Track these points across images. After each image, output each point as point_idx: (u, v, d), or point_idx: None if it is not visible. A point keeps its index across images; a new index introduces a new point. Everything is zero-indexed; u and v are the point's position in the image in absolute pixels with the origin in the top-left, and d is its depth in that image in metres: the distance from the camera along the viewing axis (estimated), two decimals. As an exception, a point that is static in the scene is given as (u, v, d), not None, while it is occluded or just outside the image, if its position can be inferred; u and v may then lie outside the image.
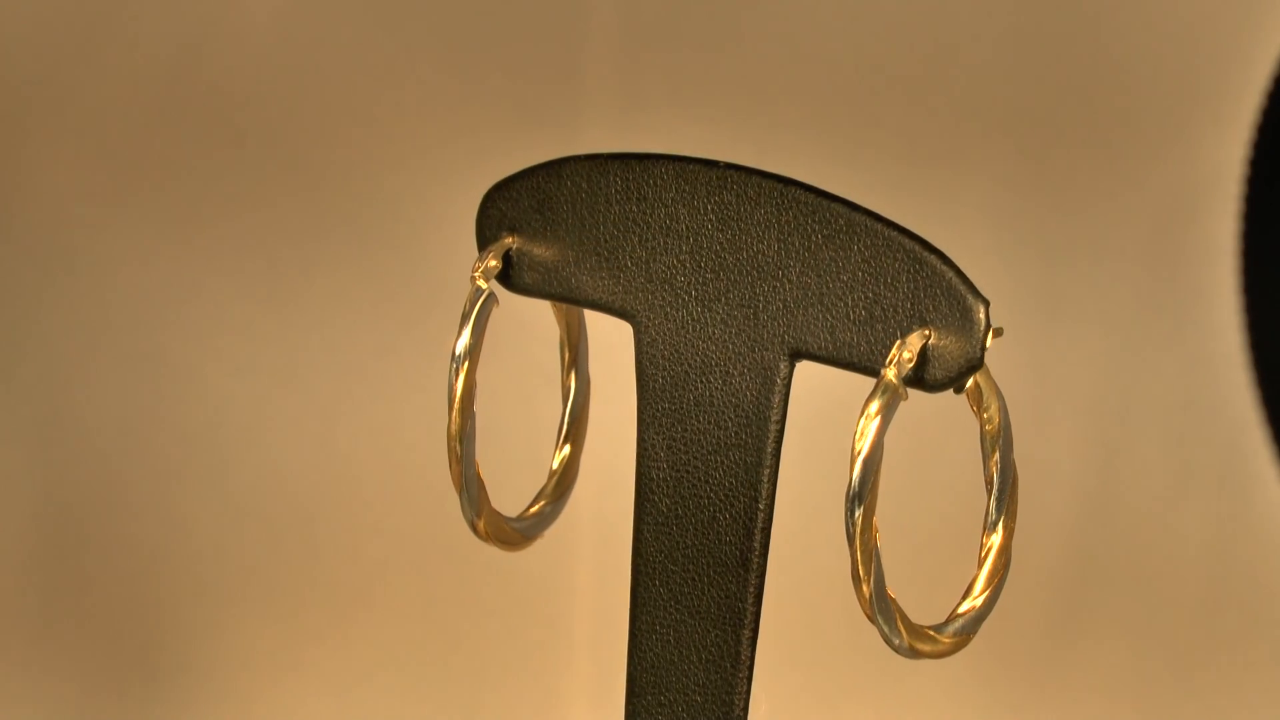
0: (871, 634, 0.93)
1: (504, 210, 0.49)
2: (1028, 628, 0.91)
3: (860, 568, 0.45)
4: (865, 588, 0.46)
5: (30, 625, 0.86)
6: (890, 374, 0.45)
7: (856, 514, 0.45)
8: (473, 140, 0.87)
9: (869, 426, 0.45)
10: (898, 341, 0.46)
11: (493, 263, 0.49)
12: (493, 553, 0.92)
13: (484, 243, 0.50)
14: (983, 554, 0.47)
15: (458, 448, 0.50)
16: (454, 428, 0.50)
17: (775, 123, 0.89)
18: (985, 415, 0.46)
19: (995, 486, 0.47)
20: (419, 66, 0.87)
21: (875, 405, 0.45)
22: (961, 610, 0.48)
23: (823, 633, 0.90)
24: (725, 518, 0.48)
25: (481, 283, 0.49)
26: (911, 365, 0.46)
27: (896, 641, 0.47)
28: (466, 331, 0.49)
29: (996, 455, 0.46)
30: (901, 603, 0.48)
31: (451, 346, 0.49)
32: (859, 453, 0.45)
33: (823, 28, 0.89)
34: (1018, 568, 0.93)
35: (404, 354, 0.87)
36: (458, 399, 0.49)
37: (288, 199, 0.86)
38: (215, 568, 0.86)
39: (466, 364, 0.49)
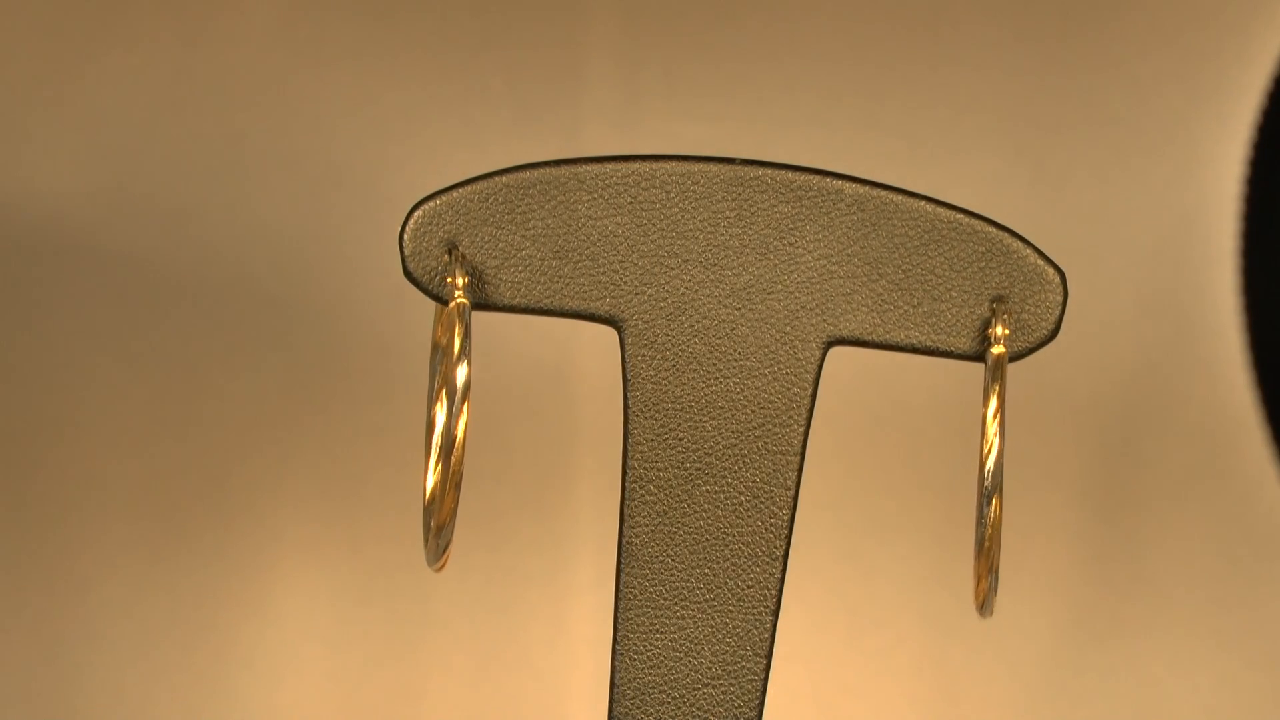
0: (871, 633, 0.93)
1: (440, 225, 0.47)
2: (1028, 626, 0.91)
3: (990, 549, 0.46)
4: (986, 577, 0.47)
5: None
6: (999, 350, 0.46)
7: (988, 511, 0.45)
8: (473, 140, 0.87)
9: (993, 426, 0.45)
10: (994, 319, 0.47)
11: (466, 278, 0.47)
12: (493, 552, 0.92)
13: (417, 256, 0.47)
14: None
15: (453, 491, 0.46)
16: (456, 469, 0.45)
17: (775, 122, 0.89)
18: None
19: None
20: (419, 66, 0.87)
21: (996, 392, 0.46)
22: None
23: (822, 631, 0.90)
24: (751, 512, 0.48)
25: (463, 299, 0.46)
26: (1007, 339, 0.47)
27: (992, 604, 0.48)
28: (465, 363, 0.45)
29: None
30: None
31: (449, 378, 0.45)
32: (991, 450, 0.45)
33: (822, 27, 0.89)
34: (1020, 569, 0.93)
35: (405, 353, 0.87)
36: (460, 440, 0.45)
37: (286, 199, 0.86)
38: (213, 567, 0.86)
39: (468, 400, 0.45)
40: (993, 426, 0.46)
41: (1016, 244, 0.48)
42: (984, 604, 0.47)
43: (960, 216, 0.48)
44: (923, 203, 0.48)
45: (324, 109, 0.86)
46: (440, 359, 0.47)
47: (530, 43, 0.87)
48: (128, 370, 0.85)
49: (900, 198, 0.48)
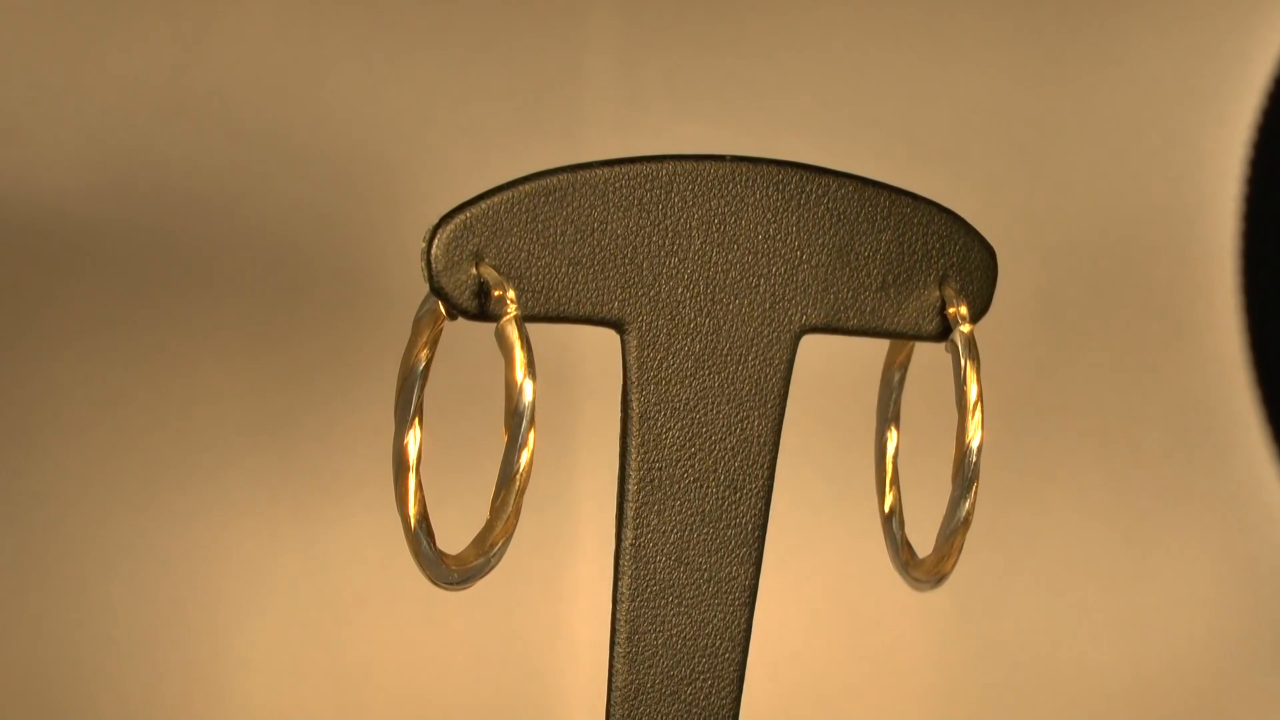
0: (871, 633, 0.93)
1: (469, 238, 0.47)
2: (1025, 627, 0.91)
3: (964, 532, 0.46)
4: (954, 556, 0.47)
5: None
6: (967, 329, 0.46)
7: (966, 504, 0.46)
8: (473, 140, 0.87)
9: (977, 409, 0.46)
10: (954, 298, 0.47)
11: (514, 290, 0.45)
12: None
13: (448, 271, 0.46)
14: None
15: (515, 518, 0.45)
16: (520, 497, 0.44)
17: (775, 123, 0.89)
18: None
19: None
20: (418, 67, 0.87)
21: (973, 374, 0.46)
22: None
23: (823, 631, 0.90)
24: (733, 504, 0.48)
25: (517, 311, 0.45)
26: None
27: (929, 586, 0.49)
28: (532, 380, 0.43)
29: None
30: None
31: (513, 398, 0.43)
32: (973, 440, 0.45)
33: (822, 27, 0.89)
34: (1020, 569, 0.93)
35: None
36: (527, 465, 0.44)
37: (286, 200, 0.86)
38: (212, 567, 0.86)
39: (535, 427, 0.43)
40: (976, 409, 0.46)
41: (954, 222, 0.49)
42: (940, 581, 0.47)
43: (905, 198, 0.49)
44: (876, 189, 0.49)
45: (323, 109, 0.86)
46: (418, 379, 0.46)
47: (530, 43, 0.87)
48: (128, 369, 0.85)
49: (855, 184, 0.49)
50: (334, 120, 0.86)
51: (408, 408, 0.45)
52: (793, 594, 0.90)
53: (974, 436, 0.46)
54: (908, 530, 0.52)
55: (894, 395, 0.50)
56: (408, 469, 0.45)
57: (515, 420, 0.44)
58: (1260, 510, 0.91)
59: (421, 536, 0.46)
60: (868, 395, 0.89)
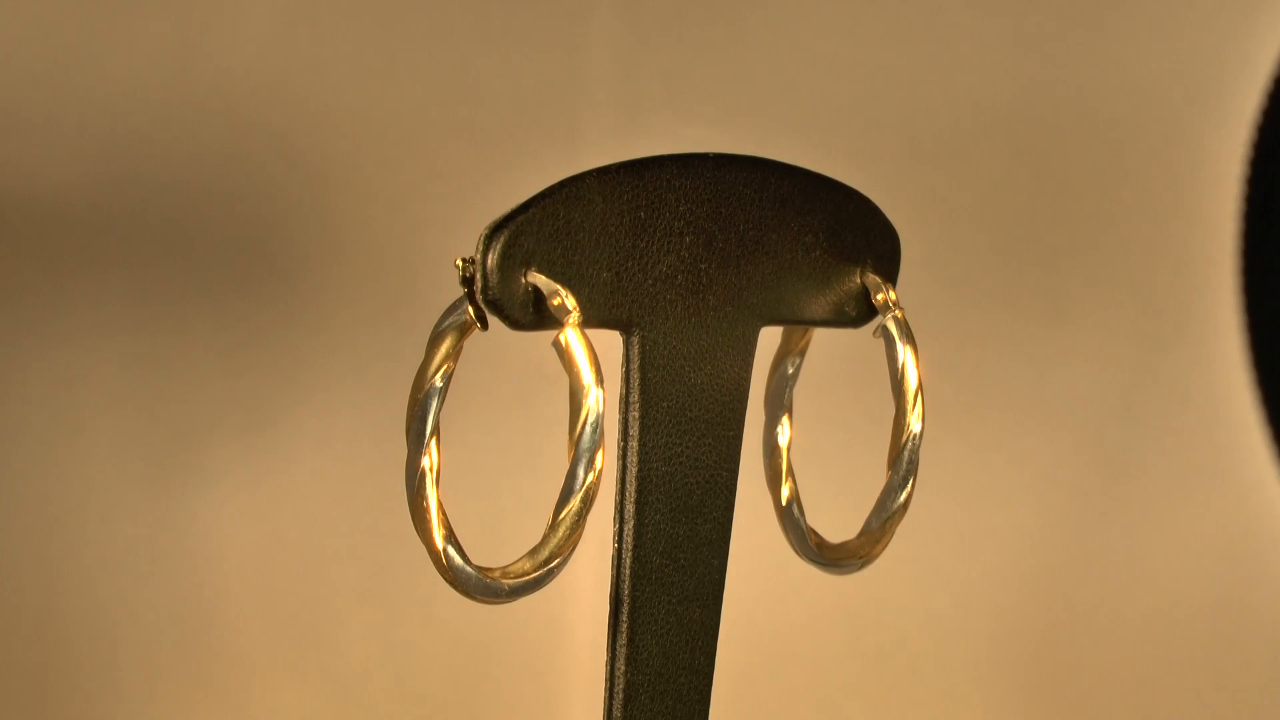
0: (871, 633, 0.93)
1: (515, 246, 0.46)
2: (1026, 629, 0.91)
3: (896, 527, 0.46)
4: (883, 542, 0.47)
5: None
6: (899, 313, 0.46)
7: (904, 492, 0.45)
8: (473, 140, 0.87)
9: (918, 408, 0.45)
10: (880, 287, 0.48)
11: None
12: (493, 553, 0.91)
13: (501, 281, 0.45)
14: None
15: (583, 527, 0.44)
16: (584, 515, 0.43)
17: (775, 123, 0.89)
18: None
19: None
20: (419, 68, 0.87)
21: (914, 360, 0.46)
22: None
23: (823, 631, 0.90)
24: (709, 498, 0.49)
25: (577, 315, 0.44)
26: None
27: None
28: (599, 390, 0.42)
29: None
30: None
31: (587, 414, 0.41)
32: (915, 433, 0.45)
33: (822, 28, 0.89)
34: (1017, 569, 0.93)
35: (405, 353, 0.87)
36: (594, 481, 0.42)
37: (288, 200, 0.86)
38: (214, 566, 0.87)
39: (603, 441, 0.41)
40: (917, 399, 0.45)
41: (870, 208, 0.49)
42: (865, 564, 0.48)
43: (837, 186, 0.49)
44: (816, 180, 0.49)
45: (323, 109, 0.86)
46: (437, 395, 0.45)
47: (530, 43, 0.88)
48: (128, 369, 0.86)
49: (801, 177, 0.49)
50: (334, 120, 0.86)
51: (424, 425, 0.43)
52: (793, 594, 0.90)
53: (916, 426, 0.45)
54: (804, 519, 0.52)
55: (789, 385, 0.50)
56: (425, 489, 0.44)
57: (585, 431, 0.43)
58: (1260, 510, 0.91)
59: (454, 552, 0.45)
60: (867, 394, 0.89)
